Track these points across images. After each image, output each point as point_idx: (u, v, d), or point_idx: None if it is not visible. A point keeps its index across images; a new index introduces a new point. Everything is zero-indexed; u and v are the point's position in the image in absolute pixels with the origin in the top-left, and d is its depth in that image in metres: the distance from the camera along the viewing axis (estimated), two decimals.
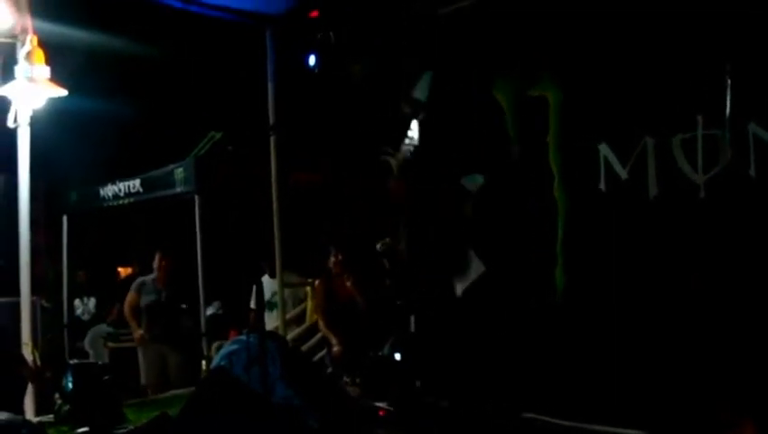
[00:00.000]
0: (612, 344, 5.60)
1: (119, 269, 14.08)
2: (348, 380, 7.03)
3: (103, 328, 11.41)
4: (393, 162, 3.59)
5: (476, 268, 3.37)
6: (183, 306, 9.32)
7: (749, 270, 4.97)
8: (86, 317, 12.15)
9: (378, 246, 8.29)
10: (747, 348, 4.83)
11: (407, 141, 3.53)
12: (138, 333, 9.29)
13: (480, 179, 3.28)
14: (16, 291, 6.87)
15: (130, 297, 9.39)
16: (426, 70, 3.45)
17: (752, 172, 5.03)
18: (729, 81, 4.90)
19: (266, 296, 9.31)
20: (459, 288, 3.37)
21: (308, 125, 8.26)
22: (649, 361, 5.37)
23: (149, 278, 9.30)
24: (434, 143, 3.39)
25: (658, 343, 5.35)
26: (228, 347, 5.88)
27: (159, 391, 8.42)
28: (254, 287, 7.06)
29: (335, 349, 7.92)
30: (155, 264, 9.27)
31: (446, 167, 3.31)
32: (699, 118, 5.29)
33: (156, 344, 9.12)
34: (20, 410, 5.89)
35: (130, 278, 11.33)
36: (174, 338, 9.06)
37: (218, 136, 9.93)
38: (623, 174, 5.70)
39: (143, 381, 9.20)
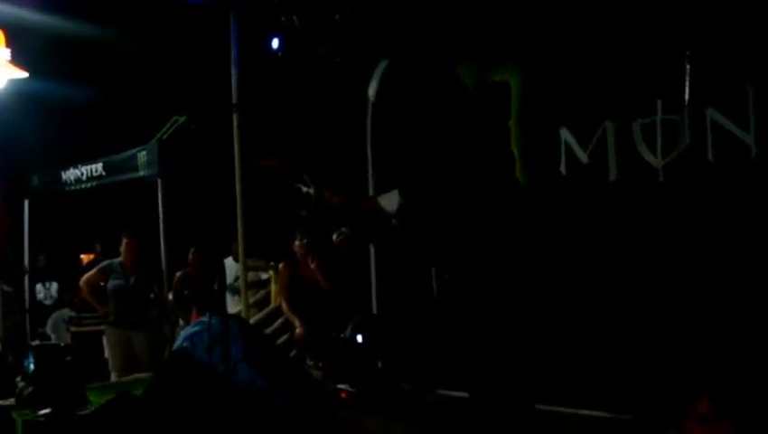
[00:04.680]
0: (574, 326, 5.66)
1: (82, 256, 13.99)
2: (311, 362, 7.06)
3: (65, 312, 11.35)
4: (310, 191, 3.63)
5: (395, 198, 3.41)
6: (152, 295, 9.28)
7: (708, 253, 5.04)
8: (48, 302, 12.07)
9: (334, 236, 8.32)
10: (717, 334, 4.90)
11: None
12: (103, 310, 9.27)
13: (397, 197, 3.33)
14: None
15: (91, 275, 9.31)
16: (383, 60, 3.46)
17: (709, 156, 5.10)
18: (688, 67, 4.96)
19: (229, 279, 9.32)
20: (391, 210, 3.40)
21: (272, 109, 8.25)
22: (610, 343, 5.44)
23: (116, 261, 9.22)
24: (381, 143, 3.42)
25: (618, 326, 5.42)
26: (190, 329, 5.89)
27: (126, 375, 8.39)
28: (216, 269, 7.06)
29: (298, 331, 7.94)
30: (122, 248, 9.20)
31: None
32: (659, 103, 5.35)
33: (122, 328, 9.07)
34: None
35: (93, 263, 11.26)
36: (141, 323, 9.02)
37: (181, 120, 9.89)
38: (584, 157, 5.76)
39: (110, 366, 9.16)
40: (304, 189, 3.77)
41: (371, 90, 3.55)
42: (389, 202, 3.48)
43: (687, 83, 4.96)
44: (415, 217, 3.46)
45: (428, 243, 3.50)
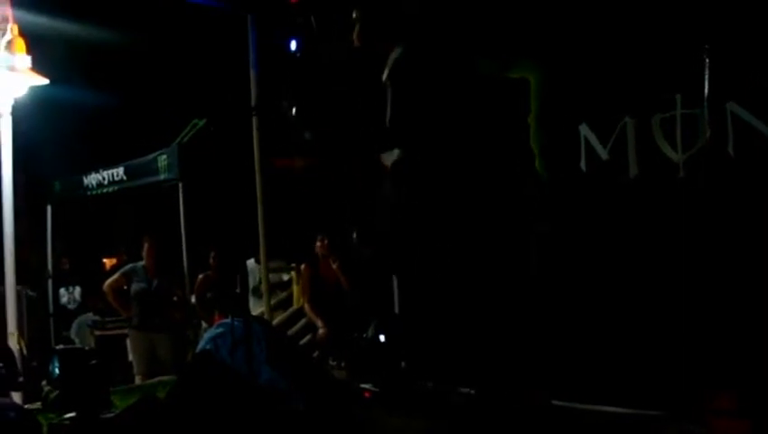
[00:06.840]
0: (595, 323, 5.64)
1: (105, 260, 14.07)
2: (334, 363, 7.06)
3: (89, 317, 11.40)
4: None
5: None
6: (175, 298, 9.32)
7: (729, 249, 5.01)
8: (72, 306, 12.14)
9: (354, 235, 8.33)
10: (739, 328, 4.87)
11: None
12: (126, 314, 9.32)
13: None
14: (1, 281, 6.88)
15: (114, 279, 9.37)
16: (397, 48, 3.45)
17: (730, 150, 5.07)
18: (707, 61, 4.93)
19: (253, 283, 9.34)
20: None
21: (291, 110, 8.26)
22: (633, 338, 5.42)
23: (139, 265, 9.26)
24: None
25: (641, 321, 5.40)
26: (213, 331, 5.90)
27: (150, 378, 8.42)
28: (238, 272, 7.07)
29: (320, 332, 7.96)
30: (144, 251, 9.24)
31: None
32: (678, 98, 5.32)
33: (146, 331, 9.11)
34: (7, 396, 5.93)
35: (116, 267, 11.32)
36: (164, 326, 9.06)
37: (201, 123, 9.93)
38: (604, 154, 5.73)
39: (134, 369, 9.20)
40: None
41: (384, 76, 3.54)
42: (389, 157, 3.45)
43: (706, 77, 4.93)
44: (412, 167, 3.39)
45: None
